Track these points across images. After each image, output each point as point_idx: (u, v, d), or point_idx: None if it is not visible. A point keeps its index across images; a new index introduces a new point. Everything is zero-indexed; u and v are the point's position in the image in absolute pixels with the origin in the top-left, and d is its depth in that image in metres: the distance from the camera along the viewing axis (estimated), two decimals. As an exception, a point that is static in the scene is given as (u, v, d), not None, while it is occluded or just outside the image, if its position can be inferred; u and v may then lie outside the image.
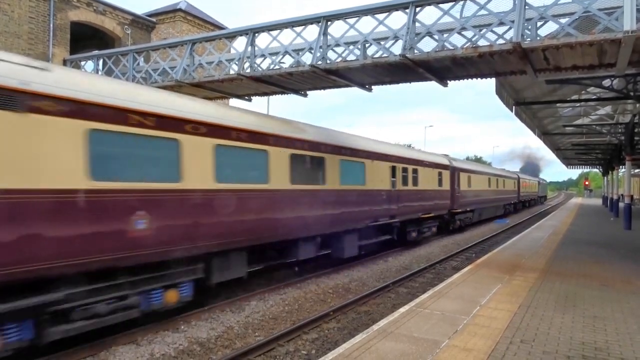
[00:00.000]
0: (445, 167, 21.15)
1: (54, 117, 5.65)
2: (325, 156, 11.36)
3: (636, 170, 46.34)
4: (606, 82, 13.95)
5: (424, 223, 18.05)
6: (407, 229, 16.61)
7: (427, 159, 19.22)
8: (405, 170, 16.29)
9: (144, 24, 22.29)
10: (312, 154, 10.91)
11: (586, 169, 63.63)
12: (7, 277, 5.16)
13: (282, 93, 13.49)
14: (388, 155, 15.04)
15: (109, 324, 6.32)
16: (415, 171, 17.18)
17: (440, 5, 9.39)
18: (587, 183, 78.65)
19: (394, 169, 15.31)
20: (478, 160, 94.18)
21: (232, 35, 12.66)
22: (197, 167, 7.63)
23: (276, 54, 11.60)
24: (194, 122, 7.63)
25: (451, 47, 9.29)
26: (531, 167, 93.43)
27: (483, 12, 9.03)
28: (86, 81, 6.42)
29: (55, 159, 5.66)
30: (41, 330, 5.64)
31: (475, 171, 27.20)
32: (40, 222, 5.47)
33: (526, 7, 8.46)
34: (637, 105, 17.76)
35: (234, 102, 20.36)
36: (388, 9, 9.88)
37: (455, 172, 22.30)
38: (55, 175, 5.64)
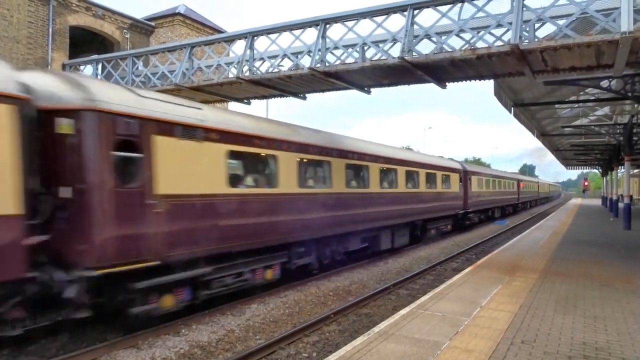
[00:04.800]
0: (514, 179, 38.79)
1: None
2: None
3: (635, 171, 46.37)
4: (604, 83, 13.98)
5: (505, 210, 36.08)
6: (504, 213, 34.95)
7: (506, 175, 37.29)
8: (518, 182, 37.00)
9: (143, 28, 22.35)
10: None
11: (585, 170, 63.65)
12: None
13: (281, 96, 13.53)
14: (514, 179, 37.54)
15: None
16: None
17: (439, 7, 9.42)
18: (586, 184, 78.46)
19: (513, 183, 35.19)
20: (477, 161, 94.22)
21: (231, 39, 12.70)
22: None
23: (275, 57, 11.64)
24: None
25: (449, 49, 9.32)
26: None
27: (481, 14, 9.07)
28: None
29: None
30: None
31: (526, 180, 47.48)
32: None
33: (524, 9, 8.50)
34: (635, 105, 17.81)
35: (233, 105, 20.37)
36: (386, 11, 9.92)
37: (518, 182, 39.97)
38: None
